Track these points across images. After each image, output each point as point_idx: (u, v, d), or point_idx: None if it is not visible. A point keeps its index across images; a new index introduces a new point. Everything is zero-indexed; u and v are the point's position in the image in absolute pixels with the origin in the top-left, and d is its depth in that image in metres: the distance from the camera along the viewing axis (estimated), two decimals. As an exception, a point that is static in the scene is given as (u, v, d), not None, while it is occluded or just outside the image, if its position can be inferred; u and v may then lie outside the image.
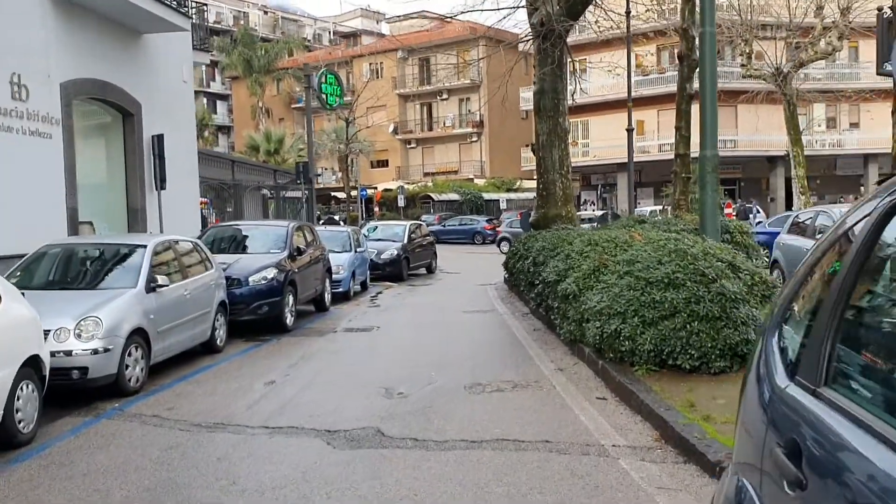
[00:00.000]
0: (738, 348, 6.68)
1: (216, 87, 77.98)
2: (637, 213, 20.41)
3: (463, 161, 56.81)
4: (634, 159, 34.11)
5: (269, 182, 23.96)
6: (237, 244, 13.10)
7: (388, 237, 22.16)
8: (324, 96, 24.03)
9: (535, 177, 19.80)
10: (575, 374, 7.86)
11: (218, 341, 10.26)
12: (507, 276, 17.17)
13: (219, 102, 78.79)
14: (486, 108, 54.13)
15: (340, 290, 16.13)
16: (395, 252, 20.98)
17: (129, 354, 7.79)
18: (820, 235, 11.79)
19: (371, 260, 20.04)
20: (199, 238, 12.95)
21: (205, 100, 76.75)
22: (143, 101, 15.05)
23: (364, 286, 18.51)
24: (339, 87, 24.88)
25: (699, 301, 6.75)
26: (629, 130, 22.52)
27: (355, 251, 17.50)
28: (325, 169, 60.97)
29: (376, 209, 43.14)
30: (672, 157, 18.37)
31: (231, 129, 73.76)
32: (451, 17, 19.59)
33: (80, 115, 13.54)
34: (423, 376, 8.14)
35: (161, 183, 15.14)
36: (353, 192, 46.87)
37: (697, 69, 11.40)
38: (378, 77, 58.19)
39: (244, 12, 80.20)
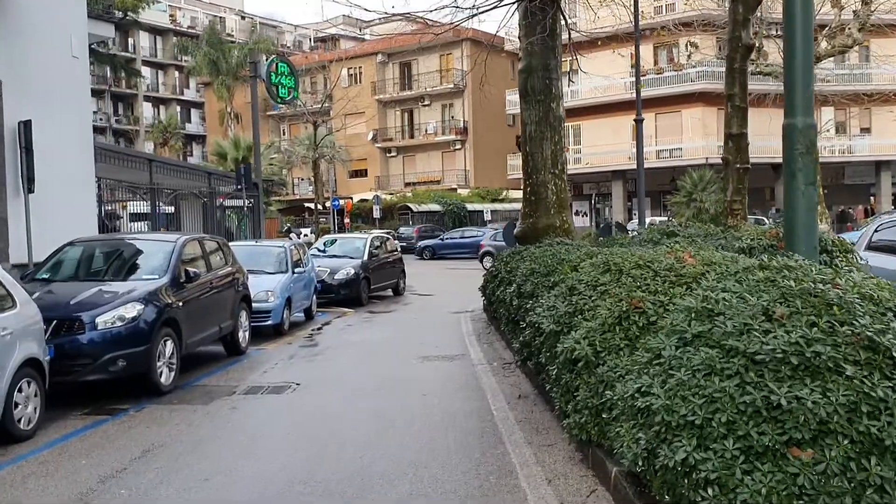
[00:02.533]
0: (966, 517, 3.04)
1: (190, 94, 74.62)
2: (659, 223, 16.01)
3: (446, 170, 53.51)
4: (631, 167, 30.67)
5: (203, 187, 20.15)
6: (100, 267, 9.30)
7: (345, 253, 18.49)
8: (274, 87, 20.33)
9: (521, 183, 16.26)
10: (594, 524, 4.17)
11: (21, 423, 6.53)
12: (486, 302, 13.53)
13: (193, 111, 75.54)
14: (470, 113, 50.88)
15: (269, 322, 12.49)
16: (352, 271, 17.30)
17: None
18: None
19: (323, 280, 16.47)
20: (51, 257, 9.30)
21: (178, 107, 73.23)
22: (6, 77, 11.50)
23: (309, 314, 14.84)
24: (293, 78, 21.17)
25: (876, 410, 3.09)
26: (637, 121, 18.96)
27: (293, 272, 13.79)
28: (301, 179, 57.31)
29: (346, 220, 39.33)
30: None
31: (205, 139, 70.18)
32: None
33: None
34: (315, 518, 4.44)
35: (28, 184, 11.59)
36: (329, 204, 43.31)
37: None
38: (357, 82, 54.97)
39: (220, 17, 76.88)
